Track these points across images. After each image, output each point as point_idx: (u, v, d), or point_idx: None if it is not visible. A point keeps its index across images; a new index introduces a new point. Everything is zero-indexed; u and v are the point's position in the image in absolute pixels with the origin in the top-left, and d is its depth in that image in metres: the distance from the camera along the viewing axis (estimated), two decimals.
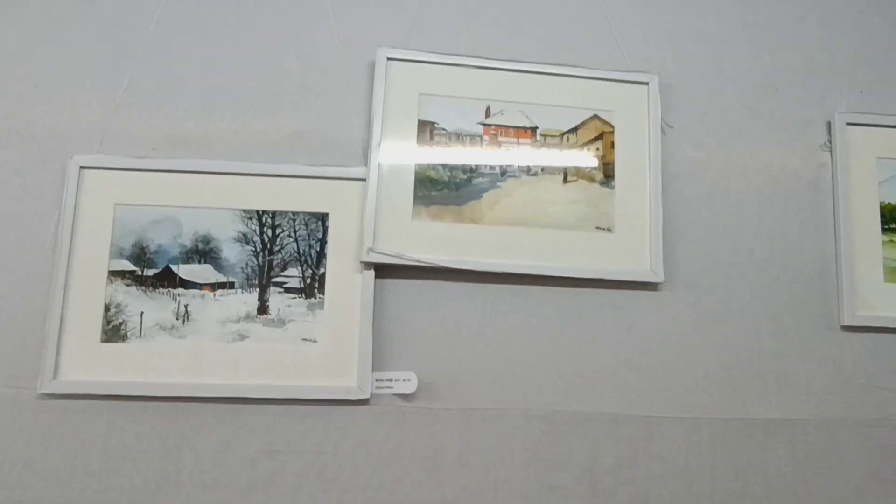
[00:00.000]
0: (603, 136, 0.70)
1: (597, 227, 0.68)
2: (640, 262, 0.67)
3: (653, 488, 0.64)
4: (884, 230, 0.71)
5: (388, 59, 0.68)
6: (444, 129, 0.68)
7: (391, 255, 0.63)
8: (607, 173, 0.69)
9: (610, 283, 0.67)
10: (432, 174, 0.67)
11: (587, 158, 0.69)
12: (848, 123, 0.72)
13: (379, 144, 0.66)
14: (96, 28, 0.68)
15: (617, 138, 0.70)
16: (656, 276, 0.66)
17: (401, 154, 0.66)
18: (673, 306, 0.68)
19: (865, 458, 0.67)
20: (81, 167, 0.62)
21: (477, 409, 0.64)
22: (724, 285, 0.69)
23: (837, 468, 0.67)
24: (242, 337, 0.62)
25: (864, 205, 0.71)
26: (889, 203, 0.71)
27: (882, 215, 0.71)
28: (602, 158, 0.69)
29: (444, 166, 0.67)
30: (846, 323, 0.69)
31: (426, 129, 0.68)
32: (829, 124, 0.73)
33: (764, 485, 0.65)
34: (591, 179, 0.69)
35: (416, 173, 0.66)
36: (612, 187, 0.69)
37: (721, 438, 0.66)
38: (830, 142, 0.72)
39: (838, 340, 0.70)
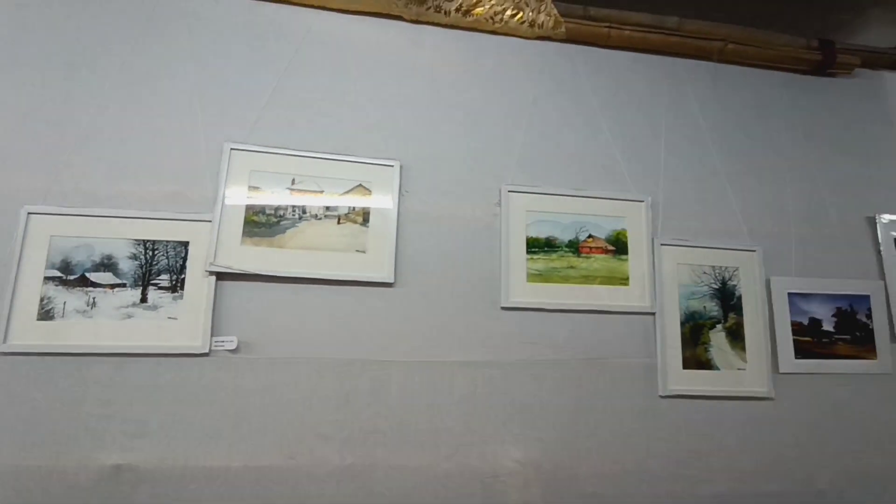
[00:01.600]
0: (364, 196, 1.23)
1: (356, 250, 1.19)
2: (381, 270, 1.19)
3: (386, 409, 1.13)
4: (528, 252, 1.27)
5: (232, 149, 1.18)
6: (264, 192, 1.18)
7: (224, 267, 1.12)
8: (365, 219, 1.21)
9: (362, 282, 1.18)
10: (255, 218, 1.16)
11: (353, 210, 1.21)
12: (510, 191, 1.28)
13: (222, 200, 1.15)
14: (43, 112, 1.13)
15: (373, 198, 1.23)
16: (390, 279, 1.18)
17: (235, 206, 1.15)
18: (402, 298, 1.20)
19: (519, 388, 1.20)
20: (29, 213, 1.07)
21: (278, 358, 1.12)
22: (434, 285, 1.22)
23: (498, 395, 1.19)
24: (129, 316, 1.07)
25: (517, 238, 1.27)
26: (532, 237, 1.28)
27: (527, 244, 1.27)
28: (363, 210, 1.21)
29: (263, 213, 1.17)
30: (504, 305, 1.23)
31: (253, 192, 1.17)
32: (500, 190, 1.29)
33: (444, 414, 1.16)
34: (355, 222, 1.21)
35: (245, 217, 1.16)
36: (368, 227, 1.21)
37: (426, 377, 1.17)
38: (500, 202, 1.28)
39: (500, 316, 1.23)
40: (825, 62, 1.55)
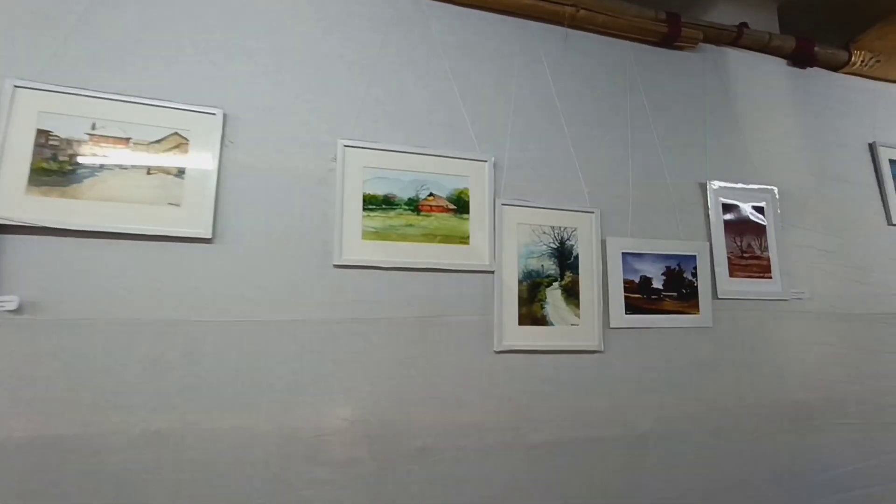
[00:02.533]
0: (180, 146, 1.14)
1: (169, 203, 1.11)
2: (197, 226, 1.11)
3: (202, 372, 1.08)
4: (364, 209, 1.24)
5: (16, 86, 1.05)
6: (57, 136, 1.06)
7: (3, 218, 1.00)
8: (180, 170, 1.13)
9: (175, 238, 1.10)
10: (44, 165, 1.04)
11: (166, 160, 1.12)
12: (347, 146, 1.24)
13: (1, 144, 1.02)
14: None
15: (191, 148, 1.14)
16: (208, 234, 1.11)
17: (18, 151, 1.02)
18: (222, 255, 1.13)
19: (349, 346, 1.19)
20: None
21: (71, 320, 1.02)
22: (260, 242, 1.16)
23: (326, 354, 1.17)
24: None
25: (353, 194, 1.24)
26: (369, 194, 1.25)
27: (364, 201, 1.24)
28: (178, 160, 1.13)
29: (55, 160, 1.05)
30: (337, 263, 1.20)
31: (42, 136, 1.05)
32: (336, 145, 1.24)
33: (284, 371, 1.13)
34: (168, 173, 1.12)
35: (32, 164, 1.03)
36: (184, 178, 1.13)
37: (247, 338, 1.12)
38: (336, 157, 1.23)
39: (332, 274, 1.20)
40: (671, 35, 1.63)
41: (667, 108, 1.62)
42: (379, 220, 1.25)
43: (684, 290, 1.49)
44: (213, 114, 1.16)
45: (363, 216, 1.24)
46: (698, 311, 1.50)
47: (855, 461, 1.57)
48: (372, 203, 1.25)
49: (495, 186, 1.36)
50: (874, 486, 1.57)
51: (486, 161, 1.36)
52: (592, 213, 1.43)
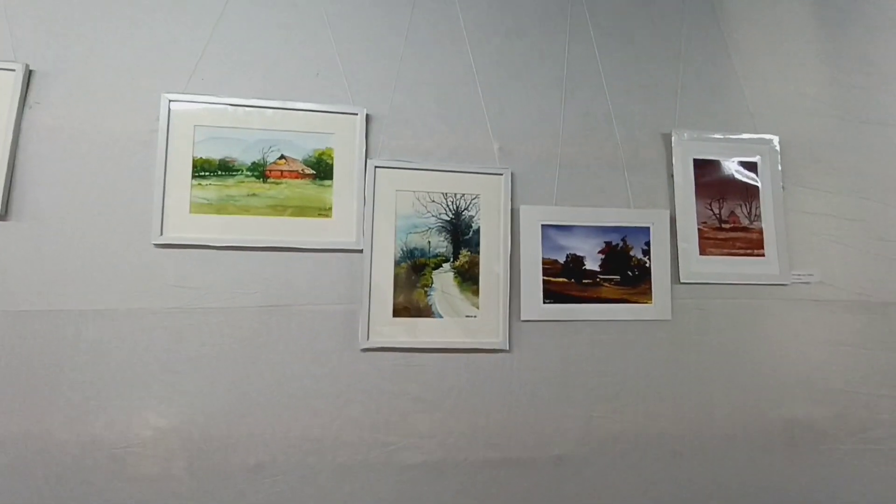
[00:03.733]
0: None
1: None
2: None
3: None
4: (195, 176, 1.03)
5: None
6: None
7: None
8: None
9: None
10: None
11: None
12: (173, 101, 1.04)
13: None
14: None
15: None
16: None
17: None
18: (15, 233, 0.97)
19: (168, 342, 1.02)
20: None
21: None
22: (63, 217, 1.00)
23: (139, 350, 1.00)
24: None
25: (180, 159, 1.03)
26: (201, 157, 1.04)
27: (194, 167, 1.03)
28: None
29: None
30: (157, 242, 1.01)
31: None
32: (162, 100, 1.04)
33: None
34: None
35: None
36: None
37: (40, 329, 0.96)
38: (160, 115, 1.03)
39: (152, 255, 1.01)
40: None
41: (623, 36, 1.26)
42: (213, 189, 1.03)
43: (631, 273, 1.15)
44: (12, 69, 0.98)
45: (193, 185, 1.03)
46: (651, 299, 1.15)
47: (880, 498, 1.16)
48: (205, 169, 1.03)
49: (369, 145, 1.09)
50: None
51: (355, 114, 1.08)
52: (501, 174, 1.12)
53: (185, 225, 1.03)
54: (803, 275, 1.23)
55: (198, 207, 1.04)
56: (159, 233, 1.01)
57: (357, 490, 1.02)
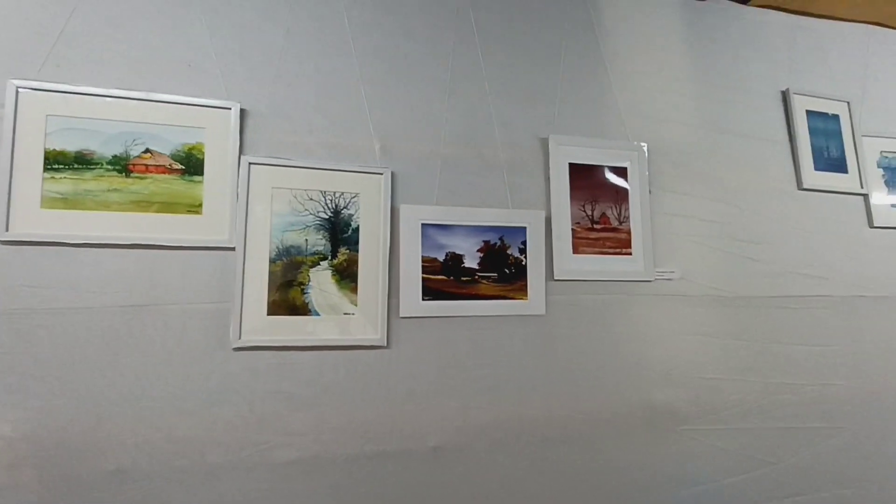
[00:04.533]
0: None
1: None
2: None
3: None
4: (47, 169, 0.97)
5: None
6: None
7: None
8: None
9: None
10: None
11: None
12: (22, 87, 0.96)
13: None
14: None
15: None
16: None
17: None
18: None
19: (13, 345, 0.96)
20: None
21: None
22: None
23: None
24: None
25: (30, 150, 0.97)
26: (54, 149, 0.97)
27: (47, 158, 0.97)
28: None
29: None
30: (3, 239, 0.94)
31: None
32: (8, 87, 0.96)
33: None
34: None
35: None
36: None
37: None
38: (4, 102, 0.96)
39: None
40: None
41: (506, 44, 1.31)
42: (68, 183, 0.98)
43: (508, 271, 1.21)
44: None
45: (44, 178, 0.97)
46: (526, 295, 1.21)
47: (732, 473, 1.30)
48: (59, 161, 0.98)
49: (243, 140, 1.08)
50: (758, 502, 1.30)
51: (228, 108, 1.07)
52: (381, 174, 1.14)
53: (36, 220, 0.98)
54: (666, 272, 1.35)
55: (50, 202, 0.99)
56: (4, 228, 0.95)
57: (229, 490, 1.02)
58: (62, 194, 1.00)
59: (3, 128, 0.98)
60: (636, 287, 1.33)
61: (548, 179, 1.30)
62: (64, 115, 1.01)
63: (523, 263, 1.25)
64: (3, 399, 0.94)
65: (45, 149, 1.00)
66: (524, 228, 1.26)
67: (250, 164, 1.10)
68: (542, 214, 1.28)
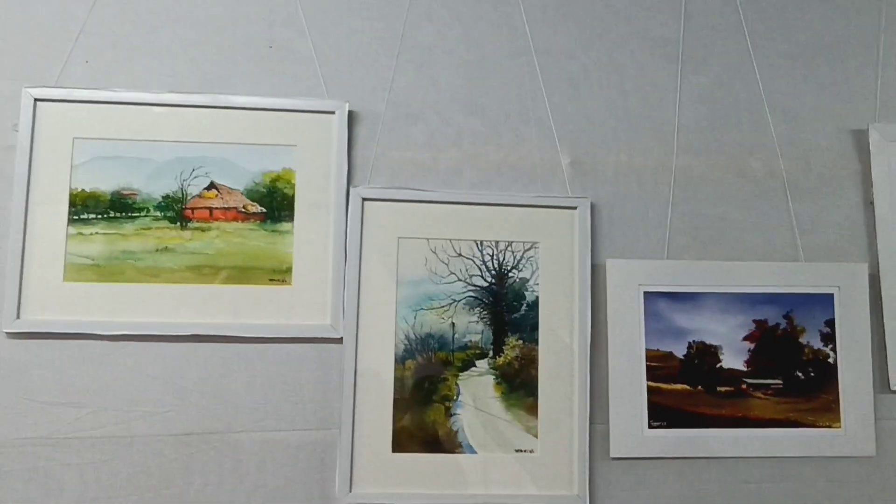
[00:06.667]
0: None
1: None
2: None
3: None
4: (73, 220, 0.65)
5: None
6: None
7: None
8: None
9: None
10: None
11: None
12: (40, 99, 0.65)
13: None
14: None
15: None
16: None
17: None
18: None
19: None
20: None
21: None
22: None
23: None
24: None
25: (52, 188, 0.67)
26: (80, 190, 0.66)
27: (72, 202, 0.65)
28: None
29: None
30: (11, 330, 0.63)
31: None
32: (23, 96, 0.65)
33: None
34: None
35: None
36: None
37: None
38: (19, 123, 0.65)
39: (3, 350, 0.63)
40: None
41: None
42: (101, 240, 0.65)
43: (802, 374, 0.68)
44: None
45: (69, 234, 0.63)
46: (838, 419, 0.67)
47: None
48: (89, 206, 0.64)
49: (352, 162, 0.66)
50: None
51: (331, 113, 0.65)
52: (575, 207, 0.67)
53: (57, 300, 0.64)
54: None
55: (75, 270, 0.65)
56: (15, 315, 0.62)
57: None
58: (92, 259, 0.65)
59: (16, 163, 0.64)
60: None
61: (870, 204, 0.72)
62: (96, 138, 0.67)
63: (830, 361, 0.69)
64: None
65: (69, 189, 0.65)
66: (830, 296, 0.71)
67: (363, 199, 0.67)
68: (864, 269, 0.71)
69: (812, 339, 0.72)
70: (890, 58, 0.78)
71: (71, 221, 0.67)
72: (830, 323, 0.72)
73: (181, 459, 0.66)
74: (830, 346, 0.72)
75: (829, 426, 0.71)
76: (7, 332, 0.65)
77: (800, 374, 0.72)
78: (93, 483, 0.65)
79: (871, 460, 0.72)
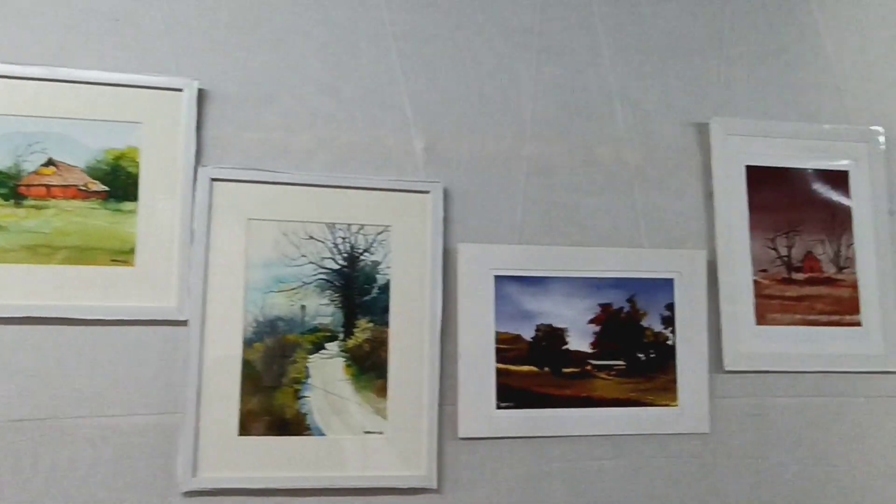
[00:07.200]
0: None
1: None
2: None
3: None
4: None
5: None
6: None
7: None
8: None
9: None
10: None
11: None
12: None
13: None
14: None
15: None
16: None
17: None
18: None
19: None
20: None
21: None
22: None
23: None
24: None
25: None
26: None
27: None
28: None
29: None
30: None
31: None
32: None
33: None
34: None
35: None
36: None
37: None
38: None
39: None
40: None
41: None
42: None
43: (643, 356, 0.72)
44: None
45: None
46: (675, 398, 0.71)
47: None
48: None
49: (201, 141, 0.65)
50: None
51: (180, 90, 0.64)
52: (427, 191, 0.68)
53: None
54: None
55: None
56: None
57: None
58: None
59: None
60: (869, 382, 0.78)
61: (710, 195, 0.77)
62: None
63: (669, 343, 0.74)
64: None
65: None
66: (670, 282, 0.76)
67: (212, 180, 0.66)
68: (703, 256, 0.76)
69: (653, 322, 0.77)
70: (733, 55, 0.84)
71: None
72: (670, 307, 0.77)
73: (10, 450, 0.64)
74: (670, 328, 0.77)
75: (667, 405, 0.76)
76: None
77: (641, 356, 0.77)
78: None
79: (705, 437, 0.77)
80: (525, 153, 0.76)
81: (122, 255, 0.68)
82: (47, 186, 0.68)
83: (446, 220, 0.73)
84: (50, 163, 0.68)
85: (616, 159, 0.79)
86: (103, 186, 0.69)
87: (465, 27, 0.78)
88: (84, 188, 0.68)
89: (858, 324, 0.80)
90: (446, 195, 0.73)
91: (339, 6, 0.75)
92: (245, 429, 0.68)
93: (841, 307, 0.81)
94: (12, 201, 0.67)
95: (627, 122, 0.79)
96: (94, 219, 0.68)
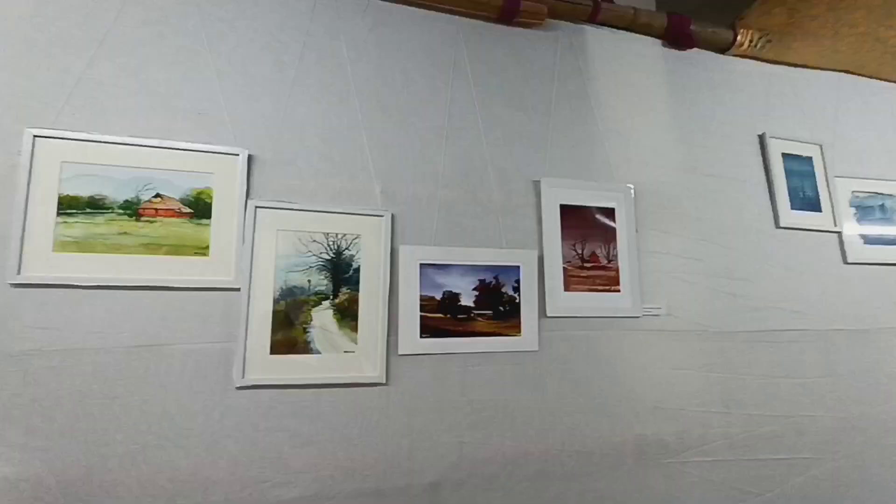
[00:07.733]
0: None
1: None
2: None
3: None
4: (60, 214, 0.99)
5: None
6: None
7: None
8: None
9: None
10: None
11: None
12: (38, 136, 0.99)
13: None
14: None
15: None
16: None
17: None
18: None
19: (22, 386, 0.97)
20: None
21: None
22: None
23: None
24: None
25: (44, 195, 0.98)
26: (67, 195, 0.99)
27: (61, 203, 0.99)
28: None
29: None
30: (15, 282, 0.95)
31: None
32: (25, 135, 0.98)
33: None
34: None
35: None
36: None
37: None
38: (22, 150, 0.98)
39: (10, 294, 0.95)
40: (509, 10, 1.37)
41: (500, 94, 1.36)
42: (80, 227, 1.00)
43: (503, 308, 1.23)
44: None
45: (57, 223, 0.98)
46: (520, 331, 1.23)
47: (708, 501, 1.31)
48: (72, 206, 1.00)
49: (250, 185, 1.10)
50: None
51: (237, 154, 1.10)
52: (382, 216, 1.17)
53: (48, 263, 0.99)
54: (652, 308, 1.38)
55: (62, 245, 1.00)
56: (17, 272, 0.96)
57: None
58: (74, 238, 1.01)
59: (19, 175, 1.00)
60: (625, 323, 1.36)
61: (540, 220, 1.34)
62: (78, 162, 1.03)
63: (517, 301, 1.28)
64: (8, 440, 0.94)
65: (58, 194, 1.01)
66: (518, 267, 1.29)
67: (256, 207, 1.12)
68: (535, 254, 1.31)
69: (508, 290, 1.30)
70: (555, 138, 1.43)
71: (59, 214, 1.01)
72: (518, 281, 1.31)
73: (134, 367, 1.04)
74: (517, 293, 1.31)
75: (516, 336, 1.30)
76: (11, 283, 0.98)
77: (501, 308, 1.29)
78: (65, 380, 1.00)
79: (536, 353, 1.29)
80: (438, 195, 1.28)
81: (201, 249, 1.10)
82: (156, 209, 1.09)
83: (393, 232, 1.20)
84: (157, 195, 1.09)
85: (489, 199, 1.32)
86: (190, 210, 1.11)
87: (406, 123, 1.29)
88: (178, 210, 1.10)
89: (619, 290, 1.41)
90: (393, 218, 1.20)
91: (332, 110, 1.26)
92: (274, 350, 1.11)
93: (609, 282, 1.40)
94: (134, 218, 1.08)
95: (495, 178, 1.35)
96: (184, 229, 1.10)
